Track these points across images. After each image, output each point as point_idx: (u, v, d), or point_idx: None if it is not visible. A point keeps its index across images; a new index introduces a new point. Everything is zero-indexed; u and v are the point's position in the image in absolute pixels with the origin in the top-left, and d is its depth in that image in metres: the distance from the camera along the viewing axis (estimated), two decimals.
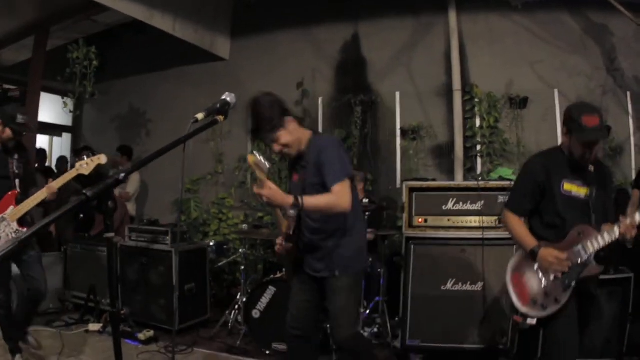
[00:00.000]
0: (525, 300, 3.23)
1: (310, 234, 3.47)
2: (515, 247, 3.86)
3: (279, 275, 5.33)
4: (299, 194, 3.14)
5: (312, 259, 3.50)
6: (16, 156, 4.45)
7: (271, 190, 3.02)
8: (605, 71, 6.09)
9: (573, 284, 3.08)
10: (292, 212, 3.19)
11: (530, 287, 3.25)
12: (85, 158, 4.22)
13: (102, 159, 4.22)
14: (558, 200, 3.24)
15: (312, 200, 3.14)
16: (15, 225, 4.24)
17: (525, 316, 3.19)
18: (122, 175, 1.82)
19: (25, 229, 4.25)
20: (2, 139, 4.35)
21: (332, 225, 3.41)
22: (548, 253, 3.15)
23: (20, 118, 4.37)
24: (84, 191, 1.74)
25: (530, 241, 3.28)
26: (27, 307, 4.76)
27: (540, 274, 3.23)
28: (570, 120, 3.16)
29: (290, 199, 3.06)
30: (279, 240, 3.57)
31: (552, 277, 3.16)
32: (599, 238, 3.08)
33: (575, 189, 3.23)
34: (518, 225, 3.41)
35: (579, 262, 3.11)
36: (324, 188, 3.21)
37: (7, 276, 4.51)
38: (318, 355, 4.07)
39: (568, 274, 3.10)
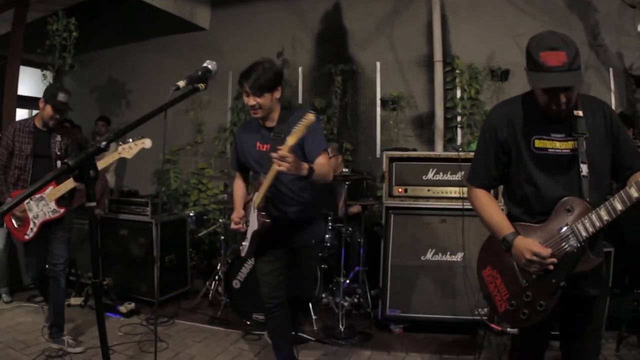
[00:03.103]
0: (502, 304, 2.51)
1: (286, 205, 3.54)
2: None
3: None
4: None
5: (288, 231, 3.57)
6: (58, 137, 4.44)
7: (293, 158, 2.94)
8: (588, 47, 6.06)
9: (562, 283, 2.32)
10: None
11: (507, 288, 2.50)
12: (131, 141, 4.18)
13: (147, 143, 4.25)
14: (528, 161, 2.41)
15: (318, 168, 3.21)
16: (53, 205, 4.30)
17: (503, 324, 2.68)
18: (104, 143, 1.81)
19: (63, 209, 4.34)
20: (43, 116, 4.32)
21: (307, 196, 3.56)
22: (524, 246, 2.33)
23: (61, 96, 4.30)
24: (66, 160, 1.75)
25: (502, 225, 2.47)
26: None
27: (519, 270, 2.45)
28: (528, 55, 2.27)
29: (306, 166, 3.09)
30: (236, 218, 3.56)
31: (534, 274, 2.39)
32: (595, 216, 2.26)
33: (552, 144, 2.37)
34: (486, 203, 2.60)
35: (568, 252, 2.30)
36: (303, 159, 3.25)
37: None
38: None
39: (555, 271, 2.32)
